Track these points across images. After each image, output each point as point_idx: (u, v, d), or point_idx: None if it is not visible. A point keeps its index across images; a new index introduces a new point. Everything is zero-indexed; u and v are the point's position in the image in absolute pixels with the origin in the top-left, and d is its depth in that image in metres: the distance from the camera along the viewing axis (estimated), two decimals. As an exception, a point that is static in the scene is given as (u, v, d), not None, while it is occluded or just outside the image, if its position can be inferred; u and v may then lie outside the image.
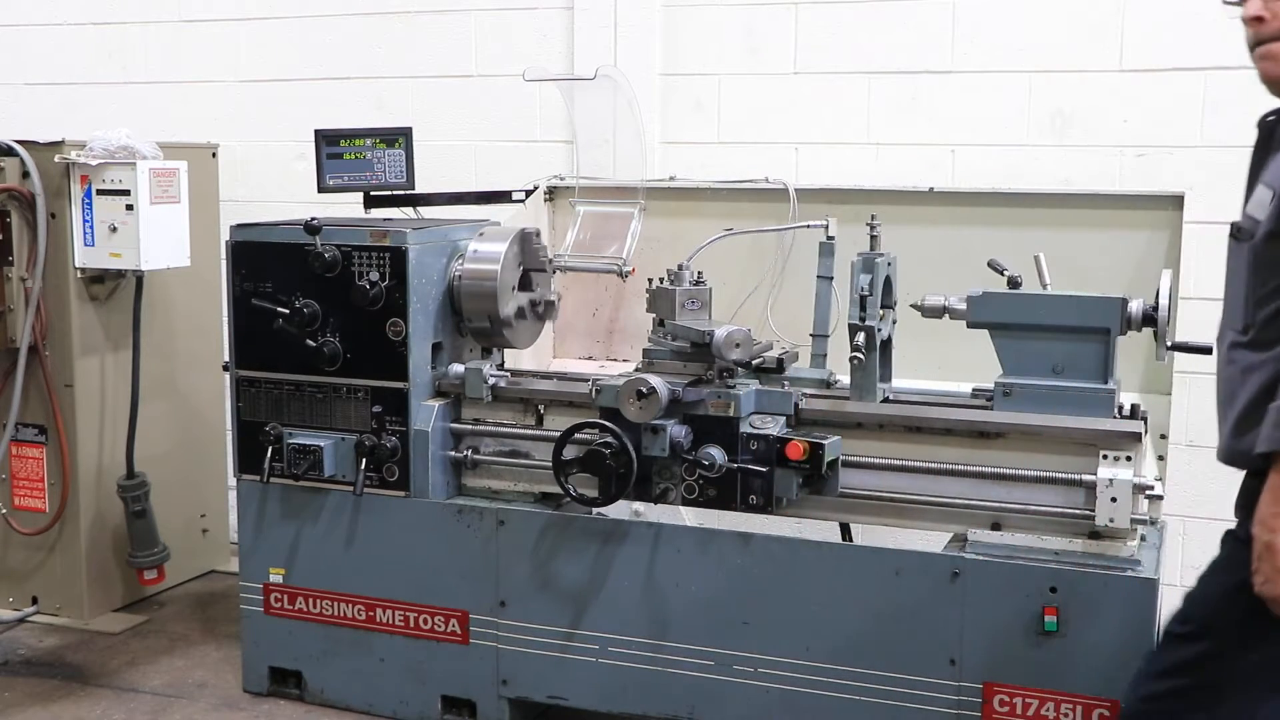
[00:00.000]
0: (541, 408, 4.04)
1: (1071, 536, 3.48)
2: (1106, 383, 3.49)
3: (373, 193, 4.52)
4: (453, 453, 4.08)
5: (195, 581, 5.47)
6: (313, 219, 3.96)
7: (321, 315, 4.05)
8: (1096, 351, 3.49)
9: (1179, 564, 4.68)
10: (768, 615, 3.69)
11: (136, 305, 4.93)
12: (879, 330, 3.69)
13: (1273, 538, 2.47)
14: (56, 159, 4.71)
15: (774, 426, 3.66)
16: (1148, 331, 3.50)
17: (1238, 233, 2.67)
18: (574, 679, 3.92)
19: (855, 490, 3.67)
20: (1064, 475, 3.47)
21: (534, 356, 4.63)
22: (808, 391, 3.82)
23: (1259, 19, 2.68)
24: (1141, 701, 2.82)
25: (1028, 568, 3.44)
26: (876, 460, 3.66)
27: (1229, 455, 2.68)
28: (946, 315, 3.65)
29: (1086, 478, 3.42)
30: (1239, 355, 2.64)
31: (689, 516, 4.24)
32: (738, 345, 3.71)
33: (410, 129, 4.58)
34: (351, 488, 4.04)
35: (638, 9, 5.05)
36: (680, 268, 3.93)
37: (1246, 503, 2.61)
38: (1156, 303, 3.46)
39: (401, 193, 4.56)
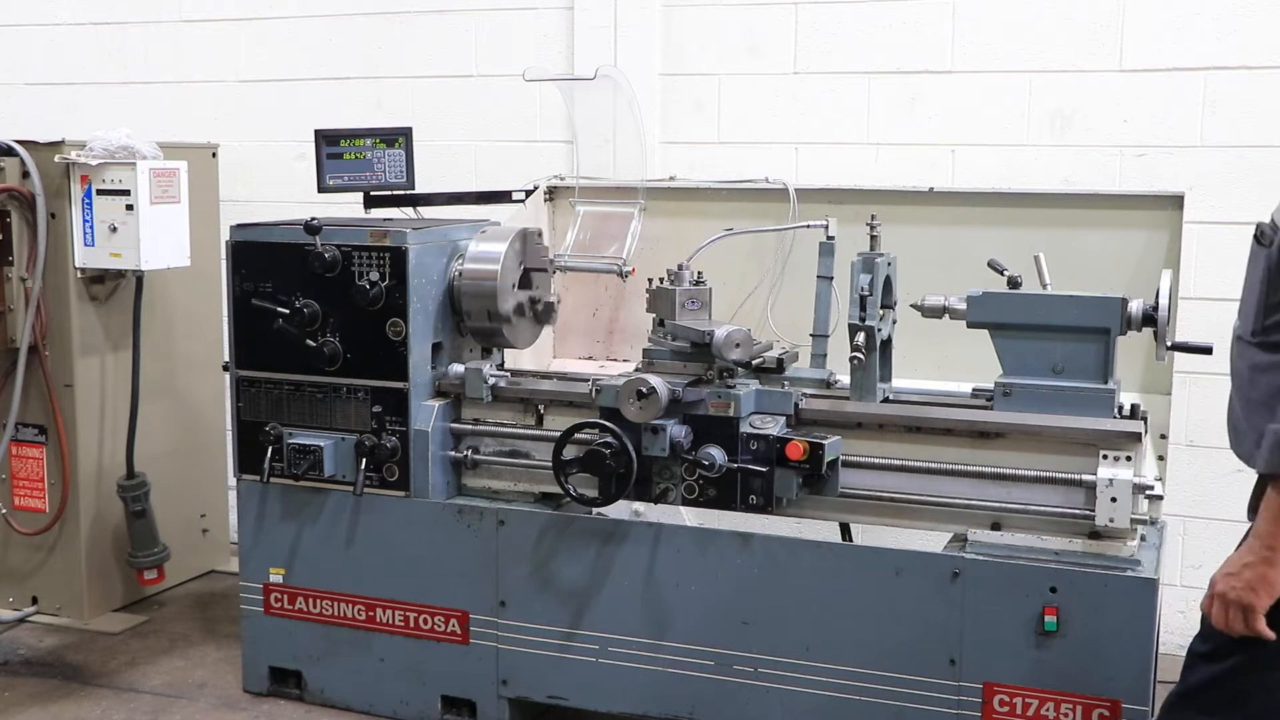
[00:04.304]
0: (541, 408, 4.04)
1: (1071, 536, 3.47)
2: (1106, 383, 3.49)
3: (373, 193, 4.52)
4: (453, 453, 4.08)
5: (195, 581, 5.47)
6: (313, 219, 3.96)
7: (321, 315, 4.04)
8: (1096, 351, 3.49)
9: (1179, 564, 4.68)
10: (768, 615, 3.69)
11: (136, 305, 4.93)
12: (879, 330, 3.69)
13: (1271, 554, 2.49)
14: (56, 159, 4.71)
15: (774, 426, 3.66)
16: (1148, 331, 3.50)
17: (1260, 236, 2.64)
18: (574, 679, 3.92)
19: (855, 490, 3.67)
20: (1064, 475, 3.47)
21: (534, 356, 4.63)
22: (808, 391, 3.82)
23: None
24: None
25: (1028, 568, 3.44)
26: (876, 460, 3.66)
27: (1243, 455, 2.67)
28: (946, 315, 3.65)
29: (1086, 478, 3.42)
30: (1249, 352, 2.63)
31: (689, 516, 4.24)
32: (738, 345, 3.71)
33: (410, 129, 4.58)
34: (351, 488, 4.04)
35: (638, 9, 5.05)
36: (680, 268, 3.92)
37: (1256, 504, 2.61)
38: (1156, 303, 3.45)
39: (401, 193, 4.56)
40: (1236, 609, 2.53)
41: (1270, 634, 2.53)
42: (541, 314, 4.24)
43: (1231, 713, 2.68)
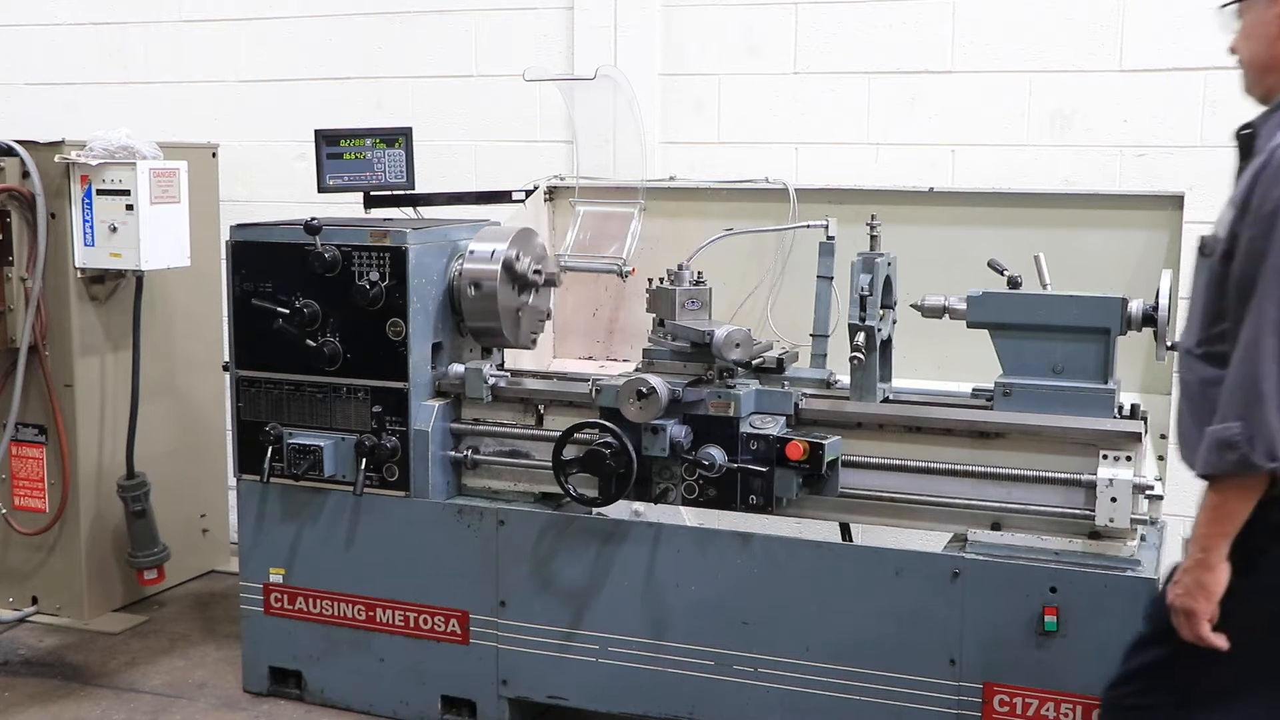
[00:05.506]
0: (541, 408, 4.04)
1: (1071, 536, 3.48)
2: (1106, 383, 3.49)
3: (373, 193, 4.52)
4: (453, 453, 4.08)
5: (195, 581, 5.47)
6: (313, 219, 3.96)
7: (321, 315, 4.04)
8: (1096, 351, 3.49)
9: (1179, 564, 4.68)
10: (768, 615, 3.69)
11: (136, 305, 4.93)
12: (879, 330, 3.69)
13: (1205, 555, 2.53)
14: (56, 159, 4.71)
15: (774, 426, 3.66)
16: (1148, 331, 3.51)
17: (1202, 248, 2.66)
18: (574, 679, 3.92)
19: (855, 490, 3.67)
20: (1064, 475, 3.47)
21: (534, 356, 4.63)
22: (808, 391, 3.82)
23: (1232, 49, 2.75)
24: (1112, 703, 2.83)
25: (1028, 568, 3.44)
26: (876, 460, 3.66)
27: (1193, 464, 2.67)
28: (946, 315, 3.65)
29: (1086, 478, 3.42)
30: (1196, 366, 2.64)
31: (689, 516, 4.24)
32: (738, 345, 3.71)
33: (410, 129, 4.58)
34: (351, 488, 4.04)
35: (638, 9, 5.05)
36: (680, 268, 3.92)
37: None
38: (1156, 303, 3.46)
39: (401, 193, 4.56)
40: (1182, 616, 2.57)
41: (1221, 643, 2.54)
42: (527, 327, 4.20)
43: (1171, 695, 2.69)
